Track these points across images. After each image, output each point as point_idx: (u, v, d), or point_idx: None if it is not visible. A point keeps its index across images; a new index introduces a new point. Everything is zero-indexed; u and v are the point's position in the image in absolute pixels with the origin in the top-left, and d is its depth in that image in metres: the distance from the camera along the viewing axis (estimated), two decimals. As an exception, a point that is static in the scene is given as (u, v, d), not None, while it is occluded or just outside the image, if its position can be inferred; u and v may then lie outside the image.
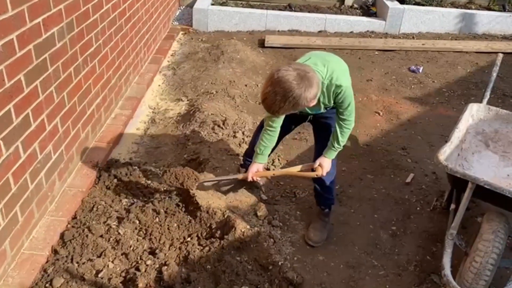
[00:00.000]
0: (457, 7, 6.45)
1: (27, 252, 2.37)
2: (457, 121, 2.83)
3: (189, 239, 2.55)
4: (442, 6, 6.40)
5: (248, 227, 2.59)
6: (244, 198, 2.89)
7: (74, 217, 2.65)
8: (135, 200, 2.83)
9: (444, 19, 6.21)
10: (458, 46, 5.73)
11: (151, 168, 3.10)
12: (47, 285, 2.21)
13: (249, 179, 2.57)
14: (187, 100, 4.10)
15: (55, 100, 2.61)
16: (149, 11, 4.54)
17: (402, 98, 4.48)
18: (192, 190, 2.71)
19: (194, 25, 5.90)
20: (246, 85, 4.37)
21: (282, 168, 3.23)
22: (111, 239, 2.49)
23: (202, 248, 2.46)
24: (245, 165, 2.85)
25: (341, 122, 2.37)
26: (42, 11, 2.38)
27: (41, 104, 2.45)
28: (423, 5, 6.33)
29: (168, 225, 2.62)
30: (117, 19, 3.58)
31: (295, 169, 2.64)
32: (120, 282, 2.26)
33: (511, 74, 5.07)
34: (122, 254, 2.42)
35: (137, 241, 2.51)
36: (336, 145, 2.42)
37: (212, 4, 6.13)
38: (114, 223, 2.61)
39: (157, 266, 2.34)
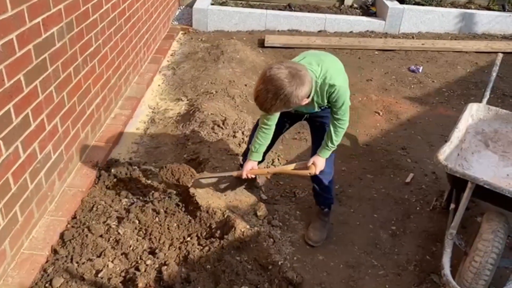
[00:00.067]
0: (456, 7, 6.46)
1: (27, 252, 2.37)
2: (456, 121, 2.83)
3: (189, 239, 2.55)
4: (441, 6, 6.40)
5: (248, 227, 2.60)
6: (244, 198, 2.89)
7: (74, 217, 2.65)
8: (135, 200, 2.83)
9: (443, 19, 6.21)
10: (457, 46, 5.73)
11: (151, 168, 3.10)
12: (47, 285, 2.21)
13: (244, 176, 2.58)
14: (187, 100, 4.10)
15: (54, 100, 2.61)
16: (148, 11, 4.54)
17: (402, 98, 4.48)
18: (188, 185, 2.72)
19: (194, 25, 5.90)
20: (246, 85, 4.37)
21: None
22: (111, 239, 2.49)
23: (202, 248, 2.46)
24: None
25: (335, 122, 2.37)
26: (41, 11, 2.38)
27: (41, 104, 2.45)
28: (422, 5, 6.33)
29: (168, 225, 2.62)
30: (116, 19, 3.58)
31: (289, 167, 2.66)
32: (120, 282, 2.26)
33: (511, 74, 5.07)
34: (122, 254, 2.42)
35: (137, 241, 2.51)
36: (330, 144, 2.42)
37: (212, 4, 6.12)
38: (114, 223, 2.61)
39: (157, 266, 2.34)
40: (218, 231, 2.57)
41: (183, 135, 3.56)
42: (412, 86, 4.75)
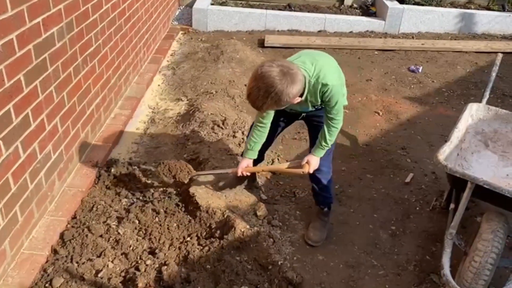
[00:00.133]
0: (456, 7, 6.46)
1: (26, 252, 2.37)
2: (456, 121, 2.83)
3: (188, 239, 2.55)
4: (441, 6, 6.40)
5: (247, 227, 2.60)
6: (244, 198, 2.89)
7: (74, 217, 2.65)
8: (134, 200, 2.83)
9: (443, 19, 6.21)
10: (457, 46, 5.73)
11: (151, 168, 3.10)
12: (46, 285, 2.22)
13: (239, 174, 2.59)
14: (187, 100, 4.10)
15: (54, 100, 2.61)
16: (148, 11, 4.54)
17: (402, 98, 4.49)
18: (185, 181, 2.75)
19: (194, 25, 5.90)
20: (245, 85, 4.36)
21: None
22: (110, 239, 2.49)
23: (201, 248, 2.46)
24: None
25: (329, 121, 2.37)
26: (41, 11, 2.38)
27: (41, 104, 2.45)
28: (422, 5, 6.33)
29: (167, 225, 2.62)
30: (116, 19, 3.58)
31: (284, 166, 2.68)
32: (120, 282, 2.26)
33: (511, 74, 5.07)
34: (121, 254, 2.42)
35: (137, 241, 2.51)
36: (323, 143, 2.42)
37: (212, 4, 6.13)
38: (114, 223, 2.61)
39: (157, 266, 2.34)
40: (218, 231, 2.57)
41: (183, 135, 3.56)
42: (412, 86, 4.75)
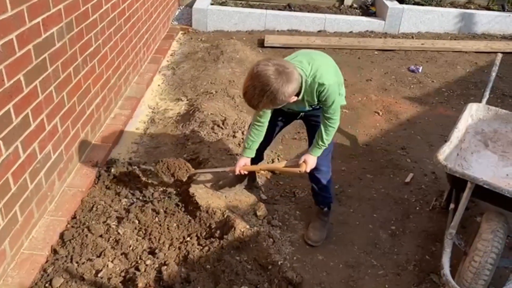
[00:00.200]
0: (456, 7, 6.46)
1: (26, 252, 2.37)
2: (456, 121, 2.84)
3: (188, 238, 2.55)
4: (441, 6, 6.40)
5: (247, 226, 2.60)
6: (244, 198, 2.89)
7: (74, 217, 2.65)
8: (134, 200, 2.83)
9: (443, 19, 6.21)
10: (457, 46, 5.73)
11: (151, 168, 3.10)
12: (46, 285, 2.22)
13: (237, 172, 2.60)
14: (187, 100, 4.10)
15: (54, 100, 2.61)
16: (148, 10, 4.54)
17: (402, 98, 4.49)
18: (183, 179, 2.77)
19: (194, 25, 5.90)
20: (245, 85, 4.37)
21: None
22: (110, 239, 2.49)
23: (201, 248, 2.46)
24: None
25: (325, 121, 2.38)
26: (41, 11, 2.38)
27: (41, 104, 2.45)
28: (422, 5, 6.33)
29: (167, 225, 2.62)
30: (116, 19, 3.58)
31: (281, 164, 2.69)
32: (120, 282, 2.26)
33: (510, 74, 5.07)
34: (121, 254, 2.42)
35: (137, 241, 2.51)
36: (320, 143, 2.42)
37: (212, 4, 6.13)
38: (114, 223, 2.61)
39: (157, 266, 2.34)
40: (218, 231, 2.57)
41: (183, 135, 3.56)
42: (412, 86, 4.75)
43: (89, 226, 2.53)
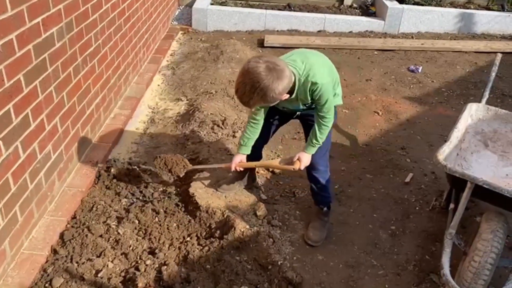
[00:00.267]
0: (456, 7, 6.46)
1: (26, 252, 2.37)
2: (456, 121, 2.84)
3: (188, 238, 2.55)
4: (441, 6, 6.41)
5: (247, 226, 2.60)
6: (244, 197, 2.89)
7: (74, 217, 2.65)
8: (134, 200, 2.83)
9: (443, 19, 6.22)
10: (457, 46, 5.74)
11: (151, 168, 3.10)
12: (46, 285, 2.21)
13: (233, 168, 2.62)
14: (187, 100, 4.10)
15: (54, 100, 2.61)
16: (148, 10, 4.54)
17: (401, 98, 4.49)
18: (180, 175, 2.79)
19: (194, 25, 5.90)
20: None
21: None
22: (110, 239, 2.49)
23: (201, 248, 2.46)
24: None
25: (319, 119, 2.39)
26: (41, 11, 2.38)
27: (41, 104, 2.45)
28: (422, 4, 6.33)
29: (167, 225, 2.62)
30: (116, 19, 3.58)
31: (276, 161, 2.72)
32: (120, 282, 2.26)
33: (510, 73, 5.08)
34: (121, 254, 2.42)
35: (137, 241, 2.51)
36: (314, 141, 2.44)
37: (212, 4, 6.13)
38: (114, 223, 2.61)
39: (157, 266, 2.34)
40: (218, 231, 2.57)
41: (182, 135, 3.56)
42: (412, 86, 4.75)
43: (89, 226, 2.53)
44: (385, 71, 5.06)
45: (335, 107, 2.45)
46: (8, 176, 2.19)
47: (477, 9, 6.45)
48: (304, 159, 2.49)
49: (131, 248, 2.46)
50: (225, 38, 5.54)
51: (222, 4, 6.26)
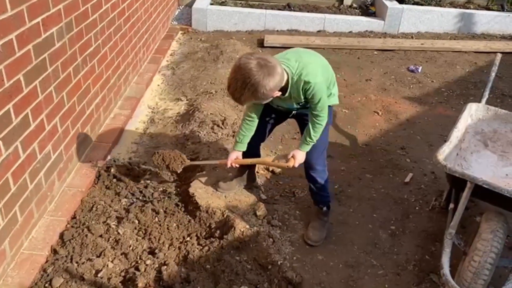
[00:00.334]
0: (456, 7, 6.46)
1: (26, 252, 2.37)
2: (456, 121, 2.84)
3: (188, 238, 2.55)
4: (441, 6, 6.41)
5: (247, 226, 2.60)
6: (244, 197, 2.89)
7: (74, 217, 2.65)
8: (134, 200, 2.83)
9: (443, 18, 6.22)
10: (457, 46, 5.74)
11: (151, 167, 3.10)
12: (46, 285, 2.21)
13: (228, 165, 2.64)
14: (186, 100, 4.10)
15: (54, 100, 2.61)
16: (148, 10, 4.54)
17: (401, 98, 4.49)
18: (178, 171, 2.81)
19: (193, 25, 5.90)
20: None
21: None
22: (110, 239, 2.49)
23: (201, 247, 2.47)
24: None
25: (313, 118, 2.40)
26: (41, 11, 2.38)
27: (41, 104, 2.45)
28: (422, 4, 6.34)
29: (167, 225, 2.62)
30: (116, 19, 3.58)
31: (270, 159, 2.74)
32: (120, 282, 2.27)
33: (510, 73, 5.08)
34: (121, 254, 2.42)
35: (137, 241, 2.51)
36: (308, 139, 2.45)
37: (211, 4, 6.12)
38: (114, 223, 2.61)
39: (157, 265, 2.35)
40: (218, 231, 2.57)
41: (182, 135, 3.56)
42: (411, 86, 4.75)
43: (89, 226, 2.53)
44: (385, 71, 5.06)
45: (330, 106, 2.47)
46: (8, 176, 2.19)
47: (477, 9, 6.45)
48: (299, 157, 2.51)
49: (131, 248, 2.46)
50: (225, 38, 5.54)
51: (222, 4, 6.26)
